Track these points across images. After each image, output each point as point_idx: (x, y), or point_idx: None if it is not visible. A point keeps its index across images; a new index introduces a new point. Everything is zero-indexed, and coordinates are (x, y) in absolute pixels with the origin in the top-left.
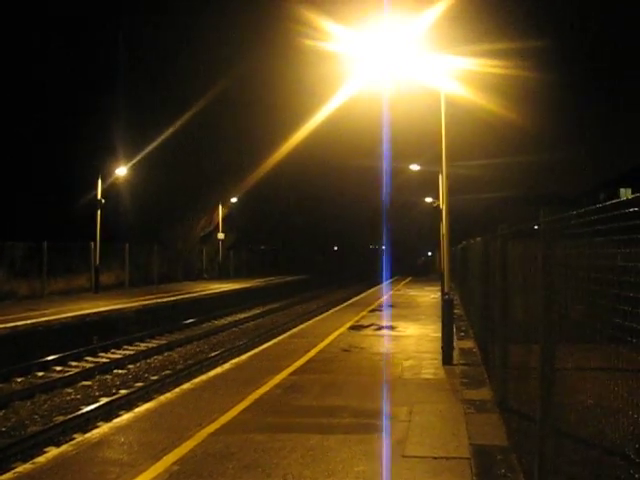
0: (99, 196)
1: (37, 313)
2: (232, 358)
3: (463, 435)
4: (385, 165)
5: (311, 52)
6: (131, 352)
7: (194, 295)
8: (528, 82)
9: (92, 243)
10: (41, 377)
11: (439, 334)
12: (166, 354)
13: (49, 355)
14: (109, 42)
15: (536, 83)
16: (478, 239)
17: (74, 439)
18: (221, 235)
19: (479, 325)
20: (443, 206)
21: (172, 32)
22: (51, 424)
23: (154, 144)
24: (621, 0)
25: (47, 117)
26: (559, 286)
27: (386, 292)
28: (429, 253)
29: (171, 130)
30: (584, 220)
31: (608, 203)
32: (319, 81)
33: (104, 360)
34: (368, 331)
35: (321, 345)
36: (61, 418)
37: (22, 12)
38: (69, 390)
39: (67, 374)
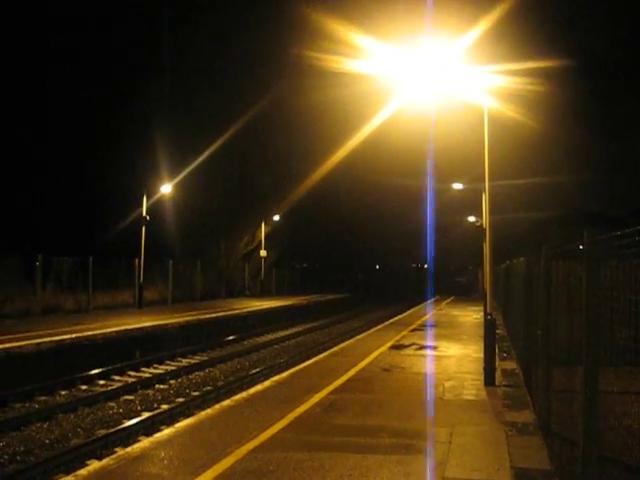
0: (144, 213)
1: (82, 327)
2: (273, 375)
3: (504, 458)
4: (429, 183)
5: (351, 71)
6: (173, 367)
7: (236, 312)
8: (568, 100)
9: (136, 260)
10: (84, 390)
11: (481, 354)
12: (207, 370)
13: (93, 369)
14: (152, 64)
15: (580, 101)
16: (521, 259)
17: (115, 453)
18: (263, 252)
19: (522, 346)
20: (486, 225)
21: (214, 52)
22: (93, 437)
23: (197, 162)
24: None
25: (94, 135)
26: (603, 308)
27: (428, 311)
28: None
29: (213, 149)
30: (628, 241)
31: None
32: (359, 100)
33: (146, 375)
34: (409, 351)
35: (361, 364)
36: (103, 431)
37: (63, 14)
38: (112, 404)
39: (110, 388)
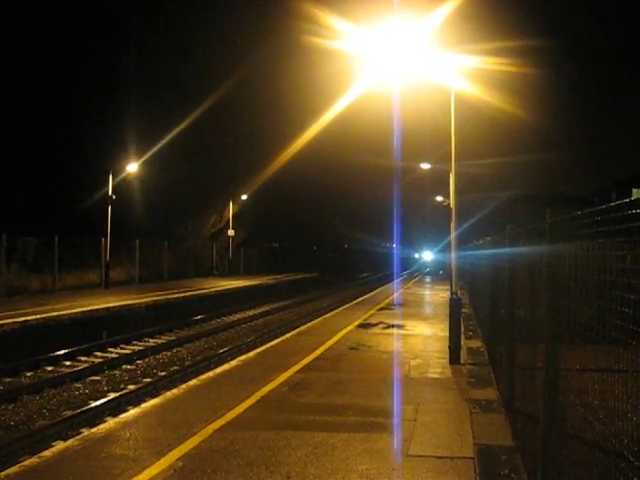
0: (110, 192)
1: (48, 308)
2: (240, 355)
3: (468, 435)
4: (397, 163)
5: (320, 50)
6: (140, 348)
7: (204, 292)
8: (538, 80)
9: (103, 239)
10: (50, 372)
11: (447, 333)
12: (175, 350)
13: (58, 350)
14: (120, 42)
15: (546, 81)
16: (487, 238)
17: (81, 433)
18: (231, 232)
19: (487, 325)
20: (452, 205)
21: (182, 30)
22: (59, 418)
23: (165, 141)
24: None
25: (59, 113)
26: (564, 287)
27: (396, 290)
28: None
29: (182, 127)
30: (590, 221)
31: (613, 204)
32: (329, 79)
33: (113, 355)
34: (376, 329)
35: (329, 343)
36: (69, 413)
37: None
38: (78, 385)
39: (76, 369)
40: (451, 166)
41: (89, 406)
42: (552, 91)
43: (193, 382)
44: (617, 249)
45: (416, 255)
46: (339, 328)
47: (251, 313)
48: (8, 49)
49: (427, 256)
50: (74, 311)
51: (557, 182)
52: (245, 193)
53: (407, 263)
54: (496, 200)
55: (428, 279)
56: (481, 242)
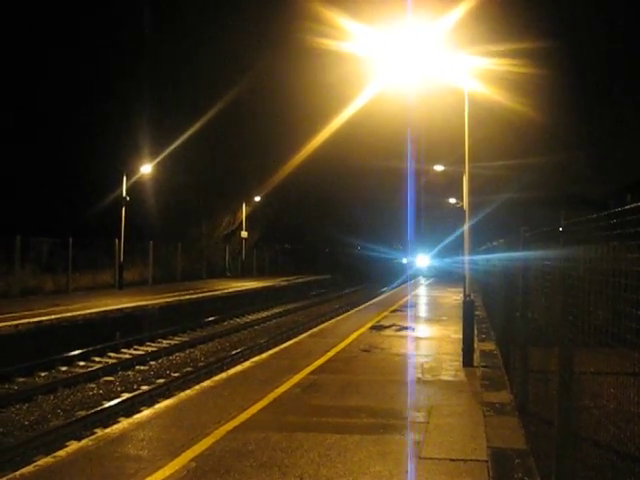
0: (124, 193)
1: (62, 308)
2: (253, 356)
3: (481, 438)
4: (409, 165)
5: (331, 52)
6: (153, 349)
7: (217, 293)
8: (550, 81)
9: (116, 240)
10: (64, 372)
11: (460, 336)
12: (188, 351)
13: (72, 350)
14: (132, 41)
15: (558, 82)
16: (501, 241)
17: (95, 434)
18: (244, 233)
19: (500, 327)
20: (466, 207)
21: (194, 31)
22: (73, 419)
23: (178, 142)
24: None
25: (73, 115)
26: (578, 290)
27: (408, 293)
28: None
29: (195, 128)
30: (605, 224)
31: (629, 207)
32: (342, 81)
33: (126, 356)
34: (389, 332)
35: (341, 345)
36: (83, 413)
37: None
38: (91, 385)
39: (90, 369)
40: (465, 168)
41: (103, 406)
42: (565, 92)
43: (206, 383)
44: (633, 252)
45: (404, 260)
46: (352, 330)
47: (264, 314)
48: (8, 49)
49: (422, 261)
50: (88, 312)
51: (571, 184)
52: (258, 195)
53: (391, 271)
54: (512, 202)
55: (441, 282)
56: (495, 244)
